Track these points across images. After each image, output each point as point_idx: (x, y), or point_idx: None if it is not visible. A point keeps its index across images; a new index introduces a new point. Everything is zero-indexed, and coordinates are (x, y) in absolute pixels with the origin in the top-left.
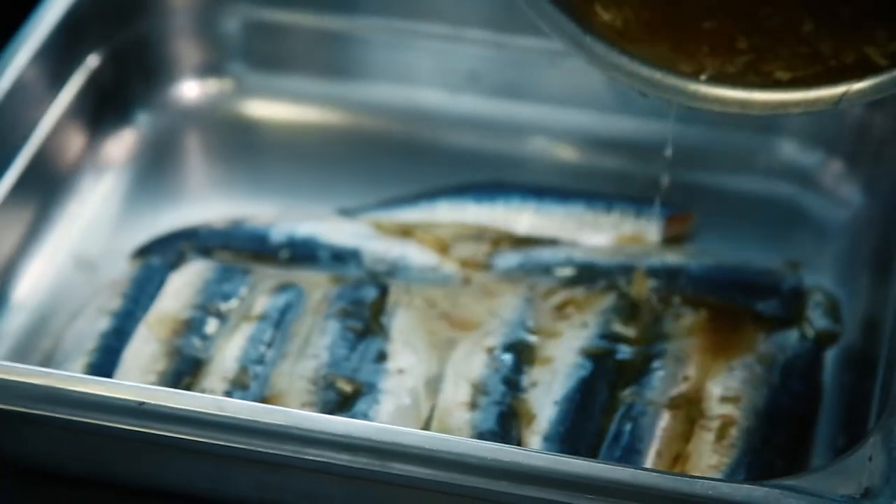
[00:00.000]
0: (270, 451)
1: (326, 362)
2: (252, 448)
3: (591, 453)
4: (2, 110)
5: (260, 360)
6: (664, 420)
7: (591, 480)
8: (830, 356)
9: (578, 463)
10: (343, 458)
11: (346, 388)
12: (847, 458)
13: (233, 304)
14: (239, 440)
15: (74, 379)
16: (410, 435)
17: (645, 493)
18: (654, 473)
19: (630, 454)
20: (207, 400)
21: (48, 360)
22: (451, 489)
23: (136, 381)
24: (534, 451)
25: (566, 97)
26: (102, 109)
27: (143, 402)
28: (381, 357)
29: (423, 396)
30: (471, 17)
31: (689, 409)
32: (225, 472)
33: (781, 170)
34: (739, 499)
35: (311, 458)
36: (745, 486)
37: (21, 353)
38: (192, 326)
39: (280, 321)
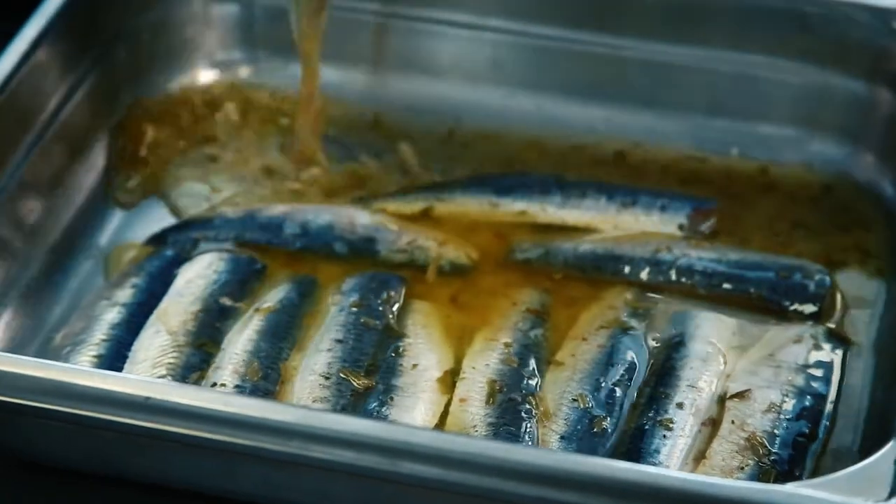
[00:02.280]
0: (277, 448)
1: (339, 357)
2: (259, 445)
3: (611, 453)
4: (14, 94)
5: (271, 354)
6: (686, 420)
7: (609, 481)
8: (857, 356)
9: (595, 463)
10: (351, 457)
11: (360, 383)
12: (872, 461)
13: (244, 295)
14: (246, 436)
15: (78, 372)
16: (421, 433)
17: (665, 495)
18: (674, 475)
19: (651, 455)
20: (214, 395)
21: (57, 352)
22: (463, 489)
23: (146, 374)
24: (549, 450)
25: (588, 88)
26: (114, 96)
27: (149, 397)
28: (396, 351)
29: (438, 392)
30: (493, 6)
31: (712, 408)
32: (231, 468)
33: (811, 162)
34: (760, 501)
35: (319, 455)
36: (767, 488)
37: (28, 343)
38: (203, 319)
39: (293, 314)
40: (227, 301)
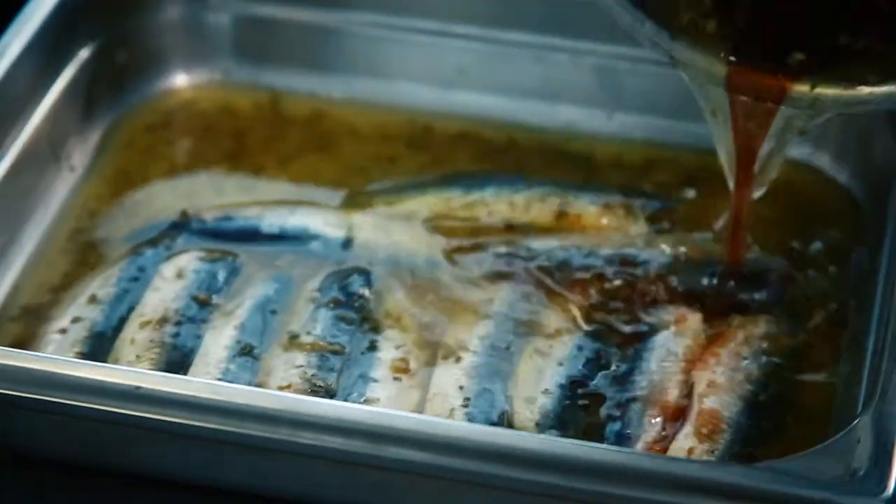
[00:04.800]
0: (265, 434)
1: (318, 351)
2: (246, 432)
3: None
4: None
5: (250, 350)
6: (654, 408)
7: (585, 463)
8: (821, 342)
9: (572, 445)
10: (337, 442)
11: (338, 377)
12: (836, 440)
13: (223, 293)
14: (234, 424)
15: (69, 363)
16: (404, 419)
17: (638, 476)
18: (647, 456)
19: (620, 440)
20: (202, 384)
21: (40, 349)
22: (446, 473)
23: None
24: (529, 434)
25: (553, 92)
26: (93, 101)
27: (139, 386)
28: (373, 345)
29: (414, 384)
30: (459, 13)
31: (679, 396)
32: (219, 457)
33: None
34: (730, 480)
35: (306, 441)
36: (736, 467)
37: (12, 340)
38: (182, 316)
39: (270, 311)
40: (204, 299)
